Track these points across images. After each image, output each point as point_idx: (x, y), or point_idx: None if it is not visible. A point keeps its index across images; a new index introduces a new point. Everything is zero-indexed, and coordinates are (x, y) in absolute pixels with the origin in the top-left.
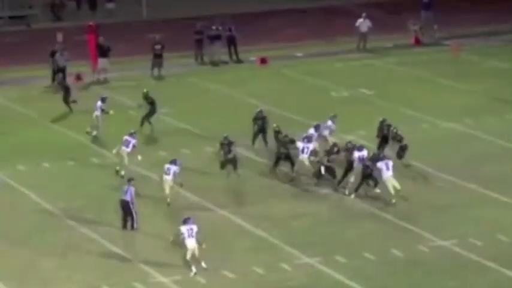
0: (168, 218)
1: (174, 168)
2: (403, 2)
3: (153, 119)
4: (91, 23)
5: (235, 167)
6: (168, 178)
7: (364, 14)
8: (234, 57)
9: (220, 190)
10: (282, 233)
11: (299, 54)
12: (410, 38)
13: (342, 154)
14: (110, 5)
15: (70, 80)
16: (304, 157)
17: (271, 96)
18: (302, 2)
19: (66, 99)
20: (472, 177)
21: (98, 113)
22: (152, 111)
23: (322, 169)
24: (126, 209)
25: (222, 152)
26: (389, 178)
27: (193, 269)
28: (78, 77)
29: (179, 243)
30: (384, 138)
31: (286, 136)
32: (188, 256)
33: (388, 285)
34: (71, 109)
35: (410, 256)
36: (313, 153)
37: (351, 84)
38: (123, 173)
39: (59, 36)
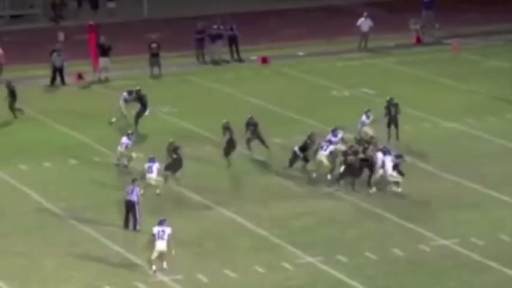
0: (169, 217)
1: (155, 165)
2: (404, 1)
3: (147, 118)
4: (92, 23)
5: (263, 142)
6: (152, 176)
7: (365, 14)
8: (236, 56)
9: (221, 189)
10: (283, 232)
11: (300, 54)
12: (412, 37)
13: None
14: (111, 4)
15: (71, 79)
16: (322, 154)
17: (272, 95)
18: (303, 1)
19: (12, 106)
20: (474, 176)
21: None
22: (143, 110)
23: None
24: (131, 210)
25: (247, 132)
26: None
27: (154, 267)
28: (80, 76)
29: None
30: (391, 118)
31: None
32: (153, 256)
33: (389, 285)
34: (15, 116)
35: (412, 255)
36: (332, 153)
37: (352, 84)
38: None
39: (61, 36)
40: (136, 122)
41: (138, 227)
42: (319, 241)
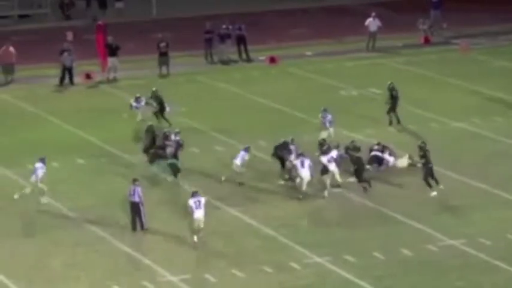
0: (177, 217)
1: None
2: (412, 2)
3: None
4: (100, 22)
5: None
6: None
7: (373, 14)
8: (244, 56)
9: (230, 189)
10: (291, 232)
11: (308, 54)
12: (420, 37)
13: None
14: (120, 4)
15: (80, 79)
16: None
17: (280, 95)
18: (311, 1)
19: None
20: (482, 176)
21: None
22: (162, 109)
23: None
24: (136, 211)
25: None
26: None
27: (195, 238)
28: (88, 76)
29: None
30: (394, 103)
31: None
32: (195, 225)
33: (397, 285)
34: None
35: (420, 255)
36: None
37: (360, 84)
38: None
39: (69, 35)
40: (166, 120)
41: (145, 226)
42: (327, 241)
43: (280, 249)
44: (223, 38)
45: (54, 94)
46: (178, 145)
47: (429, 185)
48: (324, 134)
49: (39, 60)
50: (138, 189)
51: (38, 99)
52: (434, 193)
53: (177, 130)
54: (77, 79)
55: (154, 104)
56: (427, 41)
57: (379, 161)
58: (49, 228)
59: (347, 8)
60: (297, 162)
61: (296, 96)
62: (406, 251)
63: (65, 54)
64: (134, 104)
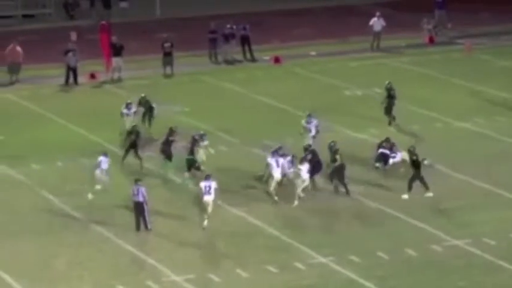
0: (181, 217)
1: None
2: (416, 1)
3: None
4: (104, 22)
5: None
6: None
7: (378, 13)
8: (249, 56)
9: (234, 189)
10: (295, 232)
11: (313, 53)
12: (424, 37)
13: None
14: (124, 4)
15: (84, 79)
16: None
17: (285, 95)
18: (316, 1)
19: None
20: (485, 176)
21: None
22: (150, 113)
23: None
24: (140, 210)
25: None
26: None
27: (205, 223)
28: (92, 76)
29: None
30: (390, 103)
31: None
32: (209, 210)
33: (401, 285)
34: None
35: (424, 255)
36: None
37: (365, 84)
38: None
39: (73, 35)
40: (149, 124)
41: (149, 226)
42: (331, 241)
43: (284, 249)
44: (227, 38)
45: (58, 94)
46: (195, 141)
47: (409, 188)
48: (309, 140)
49: (43, 60)
50: (142, 189)
51: (42, 99)
52: (405, 196)
53: (202, 132)
54: (81, 79)
55: (143, 110)
56: (431, 41)
57: (386, 159)
58: (53, 227)
59: (351, 7)
60: (272, 161)
61: (300, 96)
62: (410, 251)
63: (70, 54)
64: (125, 111)
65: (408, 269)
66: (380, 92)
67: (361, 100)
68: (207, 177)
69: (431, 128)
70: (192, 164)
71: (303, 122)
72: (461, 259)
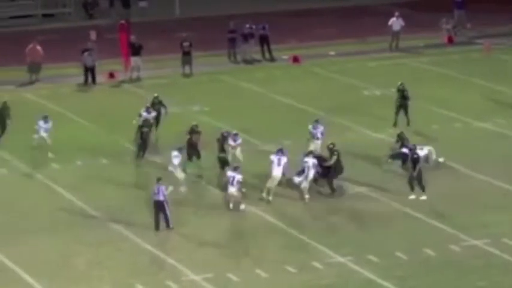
0: (199, 216)
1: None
2: (435, 1)
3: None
4: (123, 21)
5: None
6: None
7: (396, 13)
8: (267, 55)
9: (252, 188)
10: (314, 231)
11: (332, 53)
12: (443, 37)
13: None
14: (143, 4)
15: (103, 78)
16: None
17: (303, 94)
18: (335, 1)
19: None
20: (505, 176)
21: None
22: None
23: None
24: (161, 209)
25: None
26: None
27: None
28: (111, 75)
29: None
30: (402, 104)
31: None
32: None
33: (420, 285)
34: None
35: (443, 256)
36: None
37: (383, 84)
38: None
39: (92, 35)
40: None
41: (170, 225)
42: (349, 241)
43: (303, 249)
44: (246, 37)
45: (77, 93)
46: (224, 138)
47: (412, 188)
48: (311, 146)
49: (62, 60)
50: (163, 188)
51: (62, 99)
52: (412, 196)
53: (235, 132)
54: (100, 78)
55: (162, 110)
56: (450, 40)
57: (405, 158)
58: (73, 226)
59: (370, 7)
60: (275, 159)
61: (319, 96)
62: (429, 251)
63: (85, 54)
64: (144, 113)
65: (427, 269)
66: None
67: (380, 100)
68: (235, 169)
69: (451, 128)
70: (225, 163)
71: (310, 127)
72: (480, 259)
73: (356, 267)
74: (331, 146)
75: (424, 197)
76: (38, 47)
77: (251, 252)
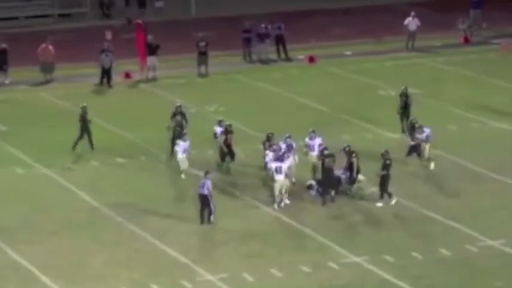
0: (215, 217)
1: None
2: (452, 1)
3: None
4: (139, 21)
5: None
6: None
7: (413, 13)
8: (283, 55)
9: (268, 188)
10: (329, 231)
11: (348, 53)
12: (459, 37)
13: None
14: (159, 3)
15: (119, 78)
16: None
17: (319, 94)
18: (351, 0)
19: None
20: None
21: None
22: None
23: None
24: (205, 203)
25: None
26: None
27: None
28: (127, 75)
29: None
30: (406, 109)
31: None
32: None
33: (435, 285)
34: None
35: (459, 256)
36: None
37: (399, 83)
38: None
39: (108, 35)
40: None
41: (212, 219)
42: (365, 241)
43: (318, 249)
44: (262, 37)
45: (93, 93)
46: (268, 138)
47: (382, 195)
48: (313, 159)
49: (78, 59)
50: (208, 182)
51: (78, 98)
52: (380, 204)
53: (287, 135)
54: (116, 78)
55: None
56: (466, 40)
57: (417, 150)
58: (89, 226)
59: (386, 7)
60: (273, 166)
61: (335, 96)
62: (445, 251)
63: (103, 55)
64: (219, 129)
65: (442, 269)
66: (417, 93)
67: (396, 100)
68: (281, 159)
69: (468, 128)
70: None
71: (306, 139)
72: (497, 259)
73: (371, 267)
74: (347, 148)
75: (393, 202)
76: (50, 47)
77: (266, 252)
